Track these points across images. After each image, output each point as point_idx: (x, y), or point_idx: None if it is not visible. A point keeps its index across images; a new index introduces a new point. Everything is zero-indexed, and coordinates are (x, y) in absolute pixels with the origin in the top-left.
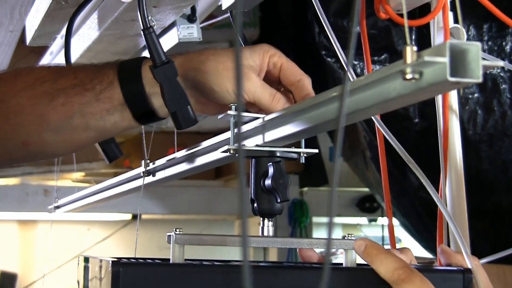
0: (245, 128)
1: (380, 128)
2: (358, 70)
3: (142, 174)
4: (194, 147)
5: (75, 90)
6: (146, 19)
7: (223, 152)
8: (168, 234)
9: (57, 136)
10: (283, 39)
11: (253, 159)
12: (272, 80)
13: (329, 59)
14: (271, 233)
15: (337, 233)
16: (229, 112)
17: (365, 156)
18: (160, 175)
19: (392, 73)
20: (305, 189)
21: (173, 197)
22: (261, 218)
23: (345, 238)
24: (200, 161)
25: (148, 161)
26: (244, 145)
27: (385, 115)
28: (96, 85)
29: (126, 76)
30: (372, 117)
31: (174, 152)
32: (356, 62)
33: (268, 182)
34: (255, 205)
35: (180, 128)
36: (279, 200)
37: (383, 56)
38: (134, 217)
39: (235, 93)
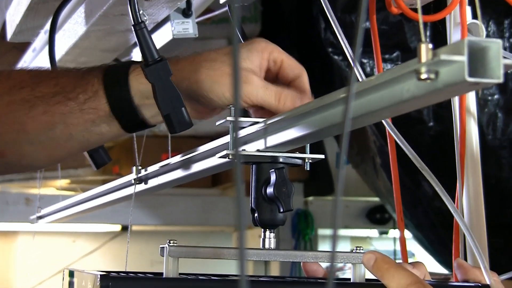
0: (245, 132)
1: (391, 133)
2: (368, 69)
3: (133, 182)
4: (190, 152)
5: (56, 98)
6: (137, 13)
7: (221, 157)
8: (161, 246)
9: (36, 147)
10: (286, 36)
11: (253, 165)
12: (271, 77)
13: (336, 57)
14: (272, 246)
15: (345, 247)
16: (228, 118)
17: (375, 163)
18: (152, 182)
19: (406, 72)
20: (310, 198)
21: (166, 206)
22: (262, 230)
23: (353, 251)
24: (196, 167)
25: (140, 167)
26: (244, 150)
27: (396, 119)
28: (80, 94)
29: (112, 86)
30: (383, 121)
31: (168, 158)
32: (365, 61)
33: (270, 190)
34: (256, 215)
35: (174, 132)
36: (281, 210)
37: (394, 54)
38: (124, 228)
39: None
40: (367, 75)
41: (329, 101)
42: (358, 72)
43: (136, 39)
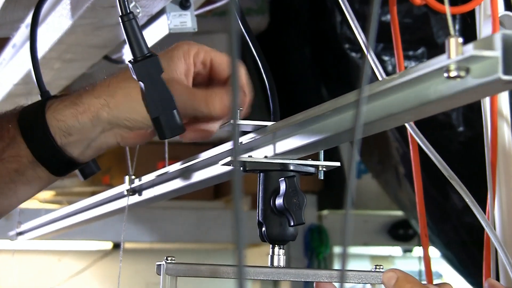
0: (250, 137)
1: (415, 137)
2: (389, 68)
3: (125, 193)
4: (189, 160)
5: None
6: (126, 3)
7: (225, 165)
8: (158, 263)
9: None
10: (297, 30)
11: (261, 174)
12: (204, 81)
13: (353, 54)
14: (282, 264)
15: (364, 266)
16: (232, 121)
17: (397, 173)
18: (147, 194)
19: (433, 70)
20: (325, 212)
21: (163, 221)
22: (270, 246)
23: (373, 270)
24: (196, 177)
25: (133, 177)
26: (250, 156)
27: (421, 123)
28: None
29: (29, 129)
30: (406, 125)
31: (165, 166)
32: (386, 58)
33: (279, 201)
34: (263, 229)
35: (163, 138)
36: (292, 223)
37: (419, 51)
38: (116, 246)
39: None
40: (388, 74)
41: (344, 102)
42: (377, 69)
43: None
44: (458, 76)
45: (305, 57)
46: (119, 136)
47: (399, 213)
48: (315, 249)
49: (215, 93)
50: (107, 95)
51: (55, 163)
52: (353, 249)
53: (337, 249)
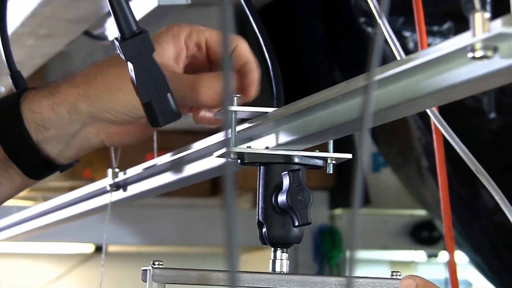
0: (249, 125)
1: (438, 126)
2: (411, 45)
3: (108, 188)
4: (181, 151)
5: None
6: None
7: (220, 156)
8: (144, 268)
9: None
10: (307, 3)
11: (261, 167)
12: (201, 64)
13: (369, 29)
14: (285, 269)
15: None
16: (228, 107)
17: (420, 166)
18: (133, 189)
19: (456, 49)
20: (338, 211)
21: (151, 221)
22: (272, 249)
23: (389, 277)
24: (189, 170)
25: (117, 170)
26: (250, 147)
27: (447, 109)
28: None
29: (2, 123)
30: (428, 111)
31: (154, 158)
32: (407, 34)
33: (282, 198)
34: (264, 230)
35: (157, 125)
36: (297, 224)
37: (445, 25)
38: (98, 249)
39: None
40: (408, 52)
41: (357, 85)
42: (394, 47)
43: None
44: (484, 56)
45: (315, 33)
46: (103, 132)
47: (422, 212)
48: (326, 254)
49: (204, 78)
50: (86, 84)
51: (30, 162)
52: (371, 254)
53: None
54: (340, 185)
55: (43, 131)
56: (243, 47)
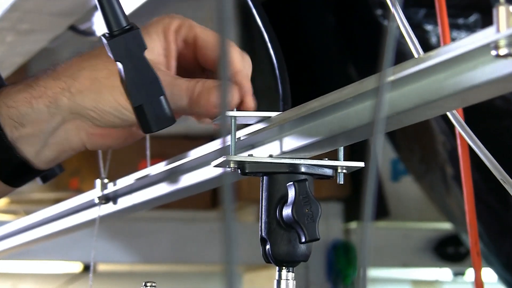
0: (251, 131)
1: (460, 130)
2: (433, 40)
3: (96, 201)
4: (177, 159)
5: None
6: None
7: (218, 166)
8: None
9: None
10: None
11: (264, 177)
12: (188, 64)
13: (387, 22)
14: None
15: None
16: (227, 113)
17: (445, 174)
18: (124, 202)
19: (479, 46)
20: (353, 224)
21: (145, 237)
22: (277, 268)
23: None
24: (186, 180)
25: (107, 180)
26: (251, 155)
27: (472, 110)
28: None
29: None
30: (449, 115)
31: (147, 167)
32: (429, 27)
33: (287, 211)
34: (267, 247)
35: (149, 131)
36: (304, 239)
37: (471, 18)
38: (86, 268)
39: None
40: (428, 48)
41: (371, 86)
42: (411, 42)
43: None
44: (509, 54)
45: (326, 27)
46: (84, 132)
47: (447, 226)
48: (340, 272)
49: (202, 86)
50: (68, 77)
51: (5, 164)
52: (390, 272)
53: (369, 272)
54: (356, 196)
55: (19, 127)
56: (234, 54)
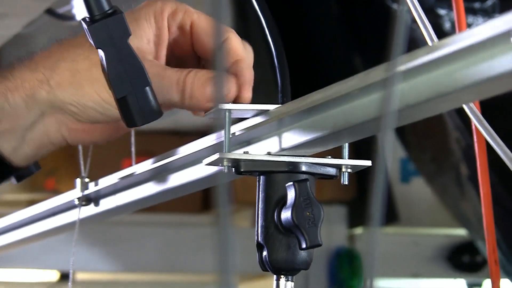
0: (246, 126)
1: (478, 126)
2: (447, 25)
3: (76, 202)
4: (165, 156)
5: None
6: None
7: (210, 164)
8: None
9: None
10: None
11: (261, 177)
12: (183, 52)
13: (397, 7)
14: None
15: None
16: (220, 106)
17: (459, 175)
18: (107, 203)
19: (496, 34)
20: (358, 230)
21: (129, 243)
22: (275, 276)
23: None
24: (175, 180)
25: (87, 180)
26: (247, 152)
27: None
28: None
29: None
30: (466, 108)
31: (132, 165)
32: (443, 12)
33: (286, 214)
34: (264, 253)
35: (133, 125)
36: (304, 245)
37: (489, 2)
38: (64, 276)
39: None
40: (444, 34)
41: (379, 77)
42: (425, 29)
43: None
44: None
45: (329, 13)
46: (65, 127)
47: (462, 232)
48: (344, 282)
49: (194, 77)
50: (47, 68)
51: None
52: (399, 283)
53: (376, 282)
54: (362, 199)
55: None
56: (234, 42)
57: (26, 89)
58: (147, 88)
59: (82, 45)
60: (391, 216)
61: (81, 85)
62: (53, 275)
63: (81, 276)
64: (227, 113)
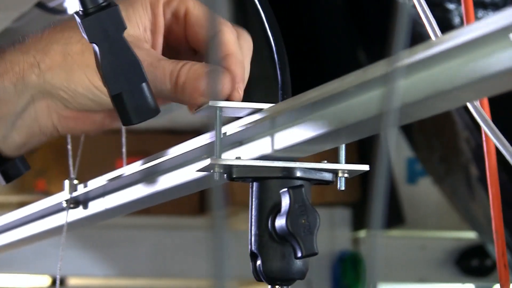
0: (238, 126)
1: (483, 126)
2: (456, 20)
3: (64, 205)
4: (156, 157)
5: None
6: None
7: (202, 170)
8: None
9: None
10: None
11: (254, 183)
12: (179, 43)
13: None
14: None
15: None
16: (210, 102)
17: (469, 175)
18: (96, 206)
19: (494, 31)
20: (363, 233)
21: (121, 247)
22: (269, 286)
23: None
24: (169, 181)
25: (76, 181)
26: (239, 158)
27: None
28: None
29: None
30: (470, 107)
31: (123, 166)
32: (452, 6)
33: (281, 222)
34: (258, 263)
35: (129, 123)
36: (300, 254)
37: None
38: (55, 281)
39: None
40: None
41: (378, 73)
42: (428, 23)
43: None
44: None
45: (333, 5)
46: (55, 114)
47: (471, 235)
48: (348, 286)
49: (188, 69)
50: (39, 51)
51: None
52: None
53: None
54: (366, 201)
55: None
56: (227, 35)
57: (16, 72)
58: (144, 84)
59: (77, 30)
60: (397, 218)
61: (72, 70)
62: (45, 280)
63: (72, 281)
64: (218, 112)
